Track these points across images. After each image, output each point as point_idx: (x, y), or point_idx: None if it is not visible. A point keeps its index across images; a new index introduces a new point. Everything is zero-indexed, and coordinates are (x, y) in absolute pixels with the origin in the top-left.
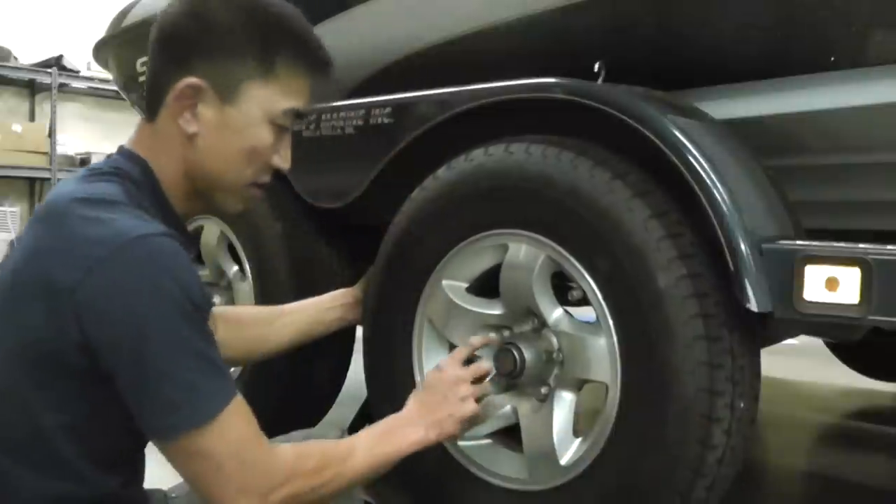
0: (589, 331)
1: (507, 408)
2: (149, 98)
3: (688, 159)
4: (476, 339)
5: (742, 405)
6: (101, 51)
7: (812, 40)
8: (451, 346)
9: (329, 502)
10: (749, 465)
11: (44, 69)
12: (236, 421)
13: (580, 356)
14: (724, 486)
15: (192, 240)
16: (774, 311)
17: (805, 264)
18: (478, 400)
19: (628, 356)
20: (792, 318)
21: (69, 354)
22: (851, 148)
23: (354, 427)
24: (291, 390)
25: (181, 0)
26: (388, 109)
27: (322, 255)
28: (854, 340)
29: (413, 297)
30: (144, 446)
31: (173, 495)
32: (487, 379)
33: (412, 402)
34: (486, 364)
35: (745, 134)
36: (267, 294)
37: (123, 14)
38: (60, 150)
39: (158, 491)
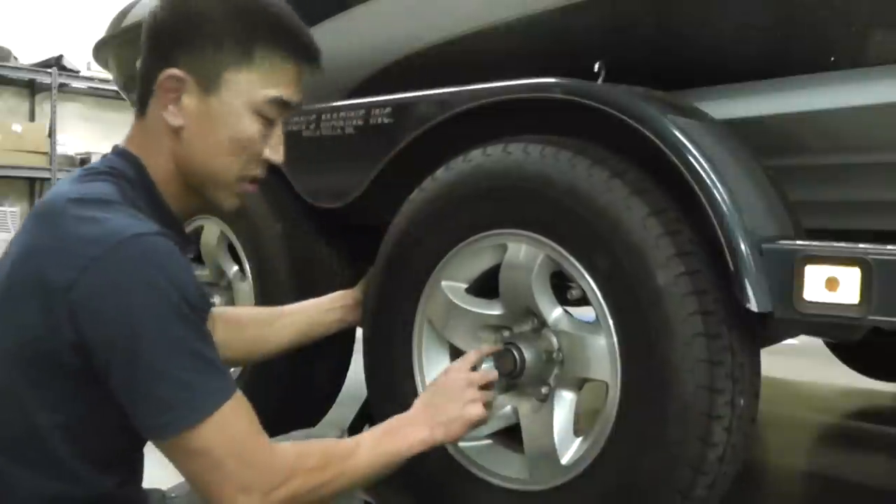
0: (589, 330)
1: (508, 408)
2: (139, 95)
3: (688, 159)
4: (487, 347)
5: (742, 402)
6: (101, 51)
7: (812, 40)
8: (451, 347)
9: (330, 502)
10: (749, 464)
11: (44, 69)
12: (235, 419)
13: (580, 355)
14: (725, 485)
15: (188, 239)
16: (774, 311)
17: (805, 264)
18: (485, 405)
19: (628, 354)
20: (792, 318)
21: (64, 354)
22: (851, 148)
23: (354, 427)
24: (291, 390)
25: None
26: (388, 109)
27: (322, 255)
28: (854, 340)
29: (413, 298)
30: (142, 446)
31: (172, 495)
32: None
33: (419, 403)
34: (494, 371)
35: (745, 134)
36: (267, 294)
37: (123, 14)
38: (60, 150)
39: (157, 491)
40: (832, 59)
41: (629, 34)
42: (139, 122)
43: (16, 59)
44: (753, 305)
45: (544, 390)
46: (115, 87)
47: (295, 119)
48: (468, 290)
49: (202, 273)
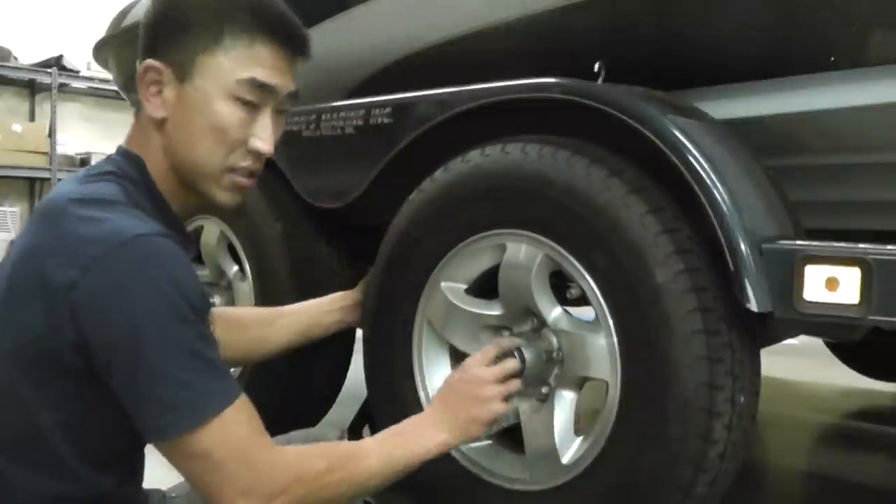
0: (588, 329)
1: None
2: (137, 93)
3: (688, 159)
4: (505, 341)
5: (742, 399)
6: (101, 51)
7: (812, 40)
8: (451, 348)
9: None
10: (749, 464)
11: (44, 69)
12: (237, 422)
13: (580, 354)
14: (726, 482)
15: (190, 240)
16: (774, 311)
17: (805, 264)
18: (505, 399)
19: (628, 353)
20: (792, 318)
21: (65, 353)
22: (851, 148)
23: (354, 427)
24: (291, 391)
25: None
26: (388, 109)
27: (322, 255)
28: (854, 340)
29: (412, 299)
30: (143, 447)
31: (173, 495)
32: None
33: (435, 403)
34: (513, 362)
35: (745, 134)
36: (267, 294)
37: (123, 14)
38: (60, 150)
39: (157, 491)
40: (832, 59)
41: (629, 34)
42: (137, 121)
43: (16, 59)
44: (753, 305)
45: (544, 390)
46: (115, 87)
47: (295, 119)
48: (467, 291)
49: (202, 273)
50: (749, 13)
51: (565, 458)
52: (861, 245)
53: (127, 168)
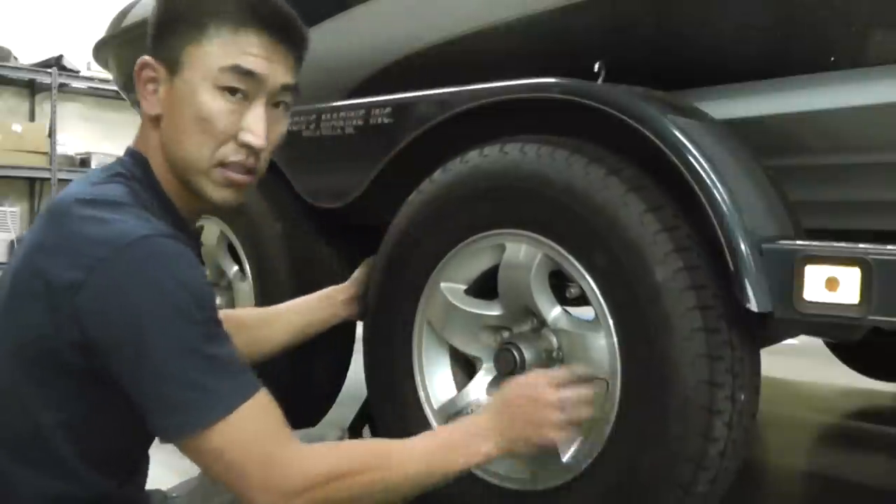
0: (588, 328)
1: None
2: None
3: (688, 159)
4: (581, 370)
5: (743, 397)
6: (101, 51)
7: (812, 40)
8: (451, 348)
9: None
10: (749, 464)
11: (44, 69)
12: (253, 420)
13: (580, 354)
14: (727, 480)
15: (197, 240)
16: (774, 311)
17: (805, 264)
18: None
19: (628, 352)
20: (792, 318)
21: (66, 353)
22: (851, 148)
23: (354, 427)
24: (291, 390)
25: None
26: (388, 109)
27: (322, 255)
28: (854, 340)
29: (412, 299)
30: (146, 447)
31: (173, 495)
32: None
33: (490, 413)
34: (586, 391)
35: (745, 134)
36: (267, 294)
37: (123, 14)
38: (60, 150)
39: (158, 491)
40: (832, 59)
41: (629, 34)
42: (141, 123)
43: (16, 59)
44: (753, 305)
45: None
46: (115, 87)
47: (295, 119)
48: (467, 291)
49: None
50: (749, 13)
51: (565, 458)
52: (861, 245)
53: (133, 169)
